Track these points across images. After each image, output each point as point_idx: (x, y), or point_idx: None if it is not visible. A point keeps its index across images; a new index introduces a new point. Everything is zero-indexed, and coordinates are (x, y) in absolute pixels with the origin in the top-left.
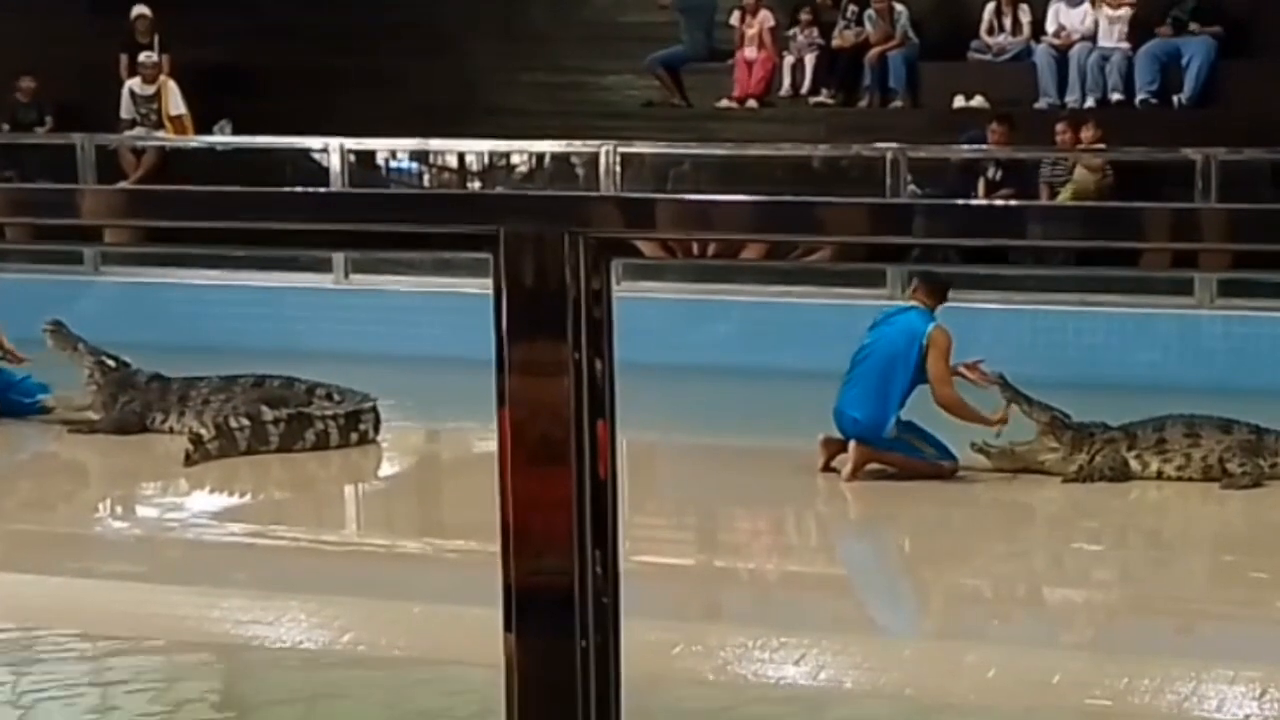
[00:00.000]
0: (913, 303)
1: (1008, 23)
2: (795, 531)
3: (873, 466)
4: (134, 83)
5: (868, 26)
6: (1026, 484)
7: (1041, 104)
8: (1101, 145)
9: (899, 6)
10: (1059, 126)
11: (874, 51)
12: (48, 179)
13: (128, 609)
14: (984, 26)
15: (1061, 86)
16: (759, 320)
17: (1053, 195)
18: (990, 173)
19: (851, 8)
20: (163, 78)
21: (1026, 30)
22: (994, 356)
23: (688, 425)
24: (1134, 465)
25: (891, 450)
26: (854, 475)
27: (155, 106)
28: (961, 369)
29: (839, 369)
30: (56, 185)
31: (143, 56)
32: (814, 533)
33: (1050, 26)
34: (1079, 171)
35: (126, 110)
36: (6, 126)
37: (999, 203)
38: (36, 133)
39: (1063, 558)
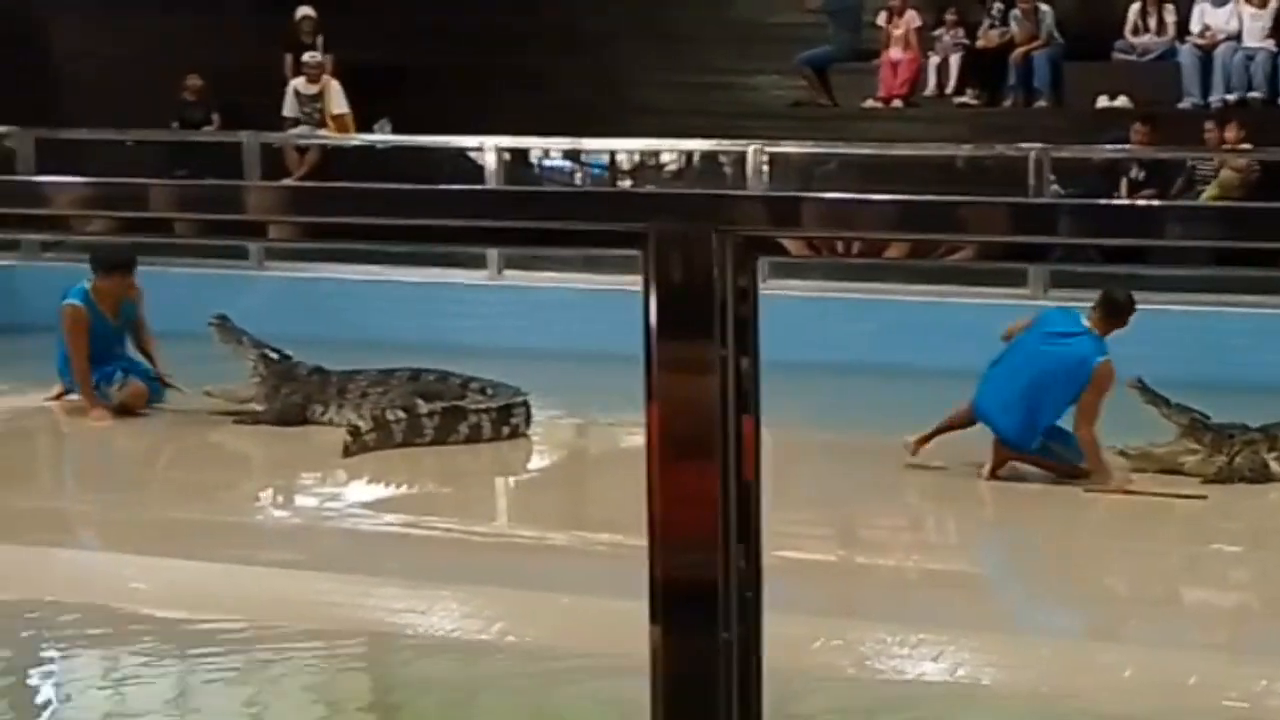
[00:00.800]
0: (1086, 324)
1: (1152, 23)
2: (934, 529)
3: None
4: (298, 82)
5: (1012, 26)
6: (1166, 485)
7: (1185, 104)
8: (1247, 145)
9: (1044, 7)
10: (1207, 125)
11: (1018, 51)
12: (214, 176)
13: (286, 596)
14: (1128, 26)
15: (1205, 86)
16: (900, 319)
17: (1195, 195)
18: (1133, 173)
19: (997, 7)
20: (326, 77)
21: (1171, 30)
22: (1133, 356)
23: (828, 422)
24: (1275, 467)
25: (1032, 453)
26: (994, 474)
27: (319, 106)
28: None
29: (980, 368)
30: (224, 182)
31: (307, 56)
32: (952, 530)
33: (1195, 26)
34: (1225, 172)
35: (290, 109)
36: (176, 124)
37: (1140, 203)
38: (204, 131)
39: (1201, 559)
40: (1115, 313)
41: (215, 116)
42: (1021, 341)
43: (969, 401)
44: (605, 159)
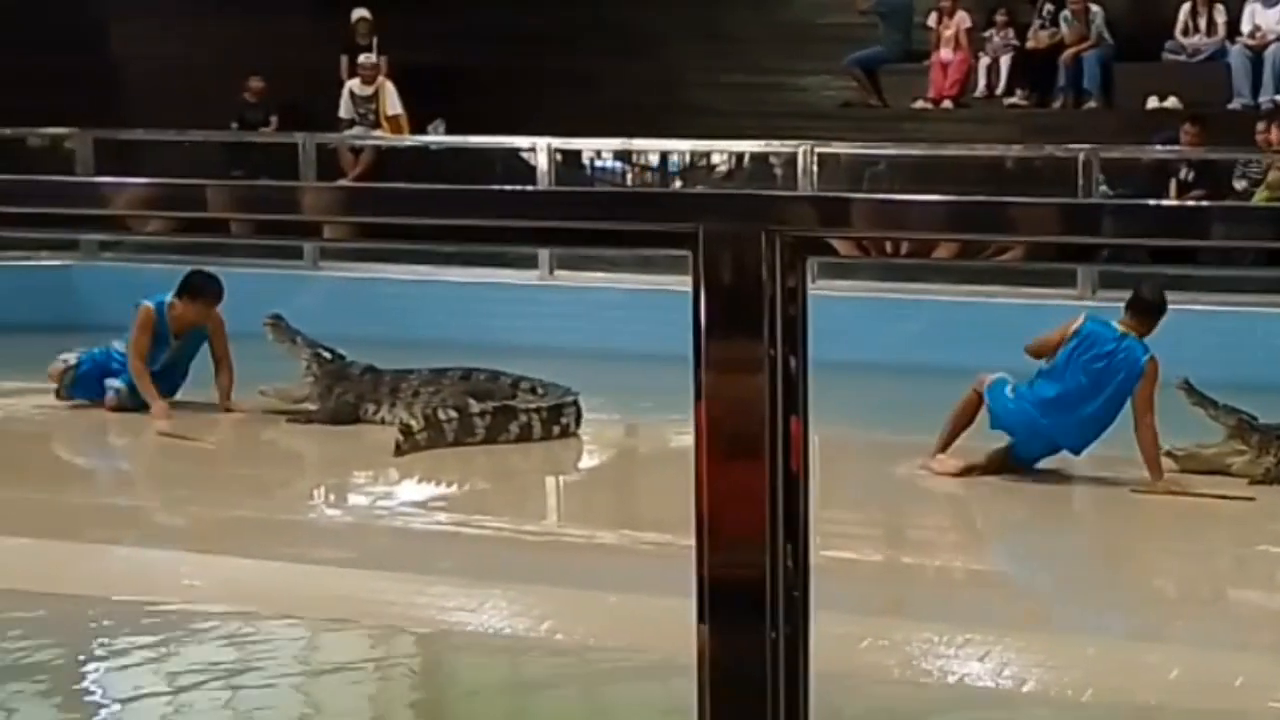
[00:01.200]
0: (1123, 329)
1: (1203, 23)
2: (979, 529)
3: None
4: (353, 83)
5: (1063, 27)
6: (1212, 486)
7: (1235, 105)
8: None
9: (1094, 7)
10: (1259, 126)
11: (1068, 52)
12: (270, 177)
13: (339, 593)
14: (1179, 27)
15: (1255, 87)
16: (949, 319)
17: (1246, 196)
18: (1182, 174)
19: (1047, 8)
20: (381, 78)
21: (1221, 30)
22: (1181, 358)
23: (875, 422)
24: None
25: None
26: (964, 475)
27: (373, 106)
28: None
29: (1026, 369)
30: (279, 182)
31: (363, 58)
32: (997, 530)
33: (1245, 26)
34: (1273, 173)
35: (345, 110)
36: (235, 125)
37: (1189, 203)
38: (260, 132)
39: (1248, 560)
40: (1148, 312)
41: (273, 118)
42: (1071, 364)
43: (966, 399)
44: (661, 158)
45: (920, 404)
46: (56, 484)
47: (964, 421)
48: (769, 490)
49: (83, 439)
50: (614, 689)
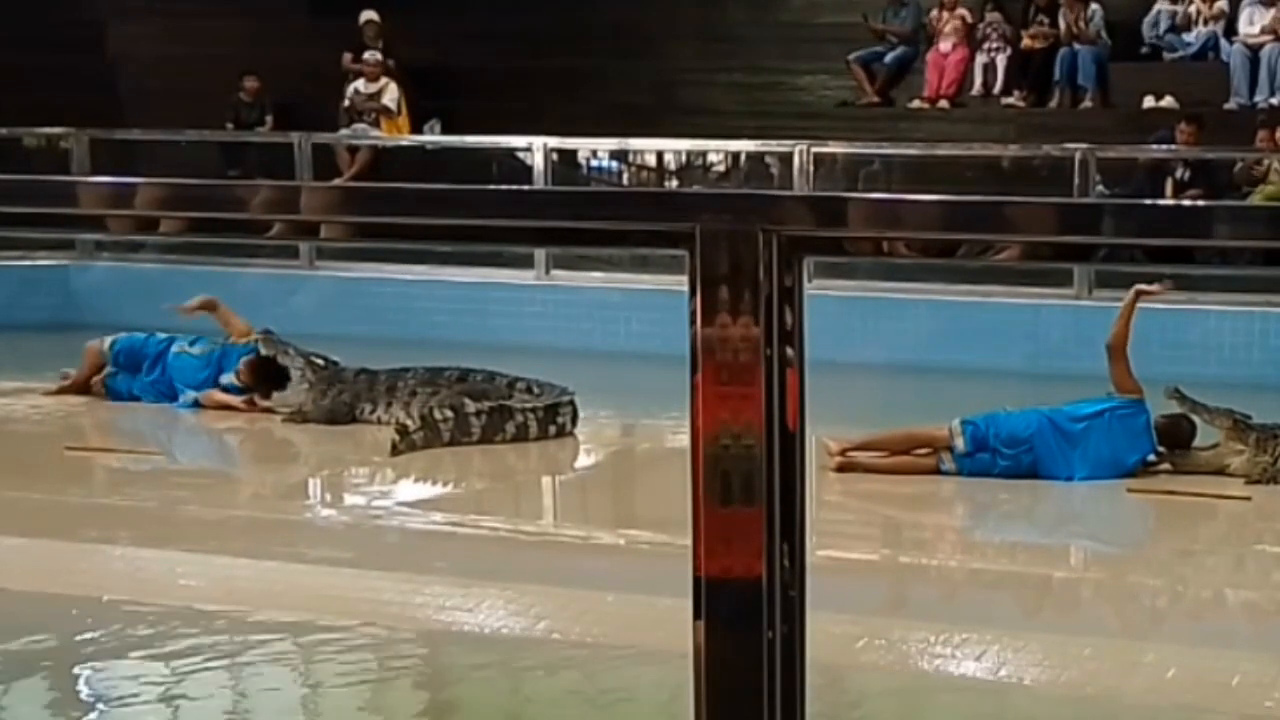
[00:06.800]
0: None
1: (1194, 12)
2: (976, 528)
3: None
4: (358, 82)
5: (1061, 26)
6: (1209, 485)
7: (1231, 104)
8: None
9: (1094, 6)
10: (1261, 134)
11: (1064, 49)
12: (267, 176)
13: (335, 592)
14: (1176, 19)
15: (1252, 86)
16: (944, 318)
17: (1242, 196)
18: (1179, 173)
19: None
20: (384, 79)
21: (1208, 16)
22: (1180, 356)
23: (871, 421)
24: None
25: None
26: (846, 467)
27: (375, 105)
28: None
29: (1022, 368)
30: (274, 182)
31: (367, 54)
32: (994, 529)
33: (1243, 27)
34: (1275, 174)
35: (347, 108)
36: (230, 125)
37: (1186, 203)
38: (256, 132)
39: (1245, 559)
40: (1174, 438)
41: (268, 118)
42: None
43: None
44: (657, 158)
45: (914, 403)
46: (48, 482)
47: (911, 450)
48: (765, 489)
49: (80, 436)
50: (610, 688)
